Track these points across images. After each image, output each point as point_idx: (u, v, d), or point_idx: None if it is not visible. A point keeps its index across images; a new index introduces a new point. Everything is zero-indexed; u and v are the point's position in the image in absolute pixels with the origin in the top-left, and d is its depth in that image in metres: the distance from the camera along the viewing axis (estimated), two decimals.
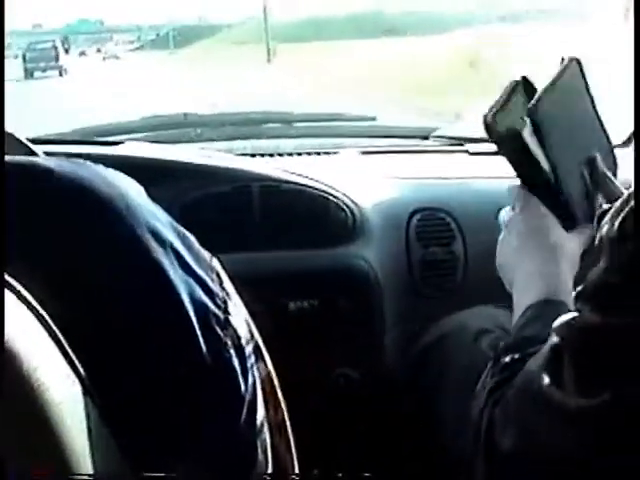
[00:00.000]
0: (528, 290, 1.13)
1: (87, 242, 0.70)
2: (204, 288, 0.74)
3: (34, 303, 0.61)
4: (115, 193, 0.73)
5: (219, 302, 0.75)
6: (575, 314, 0.92)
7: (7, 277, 0.60)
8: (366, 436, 1.80)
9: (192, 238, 0.77)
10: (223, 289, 0.77)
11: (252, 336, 0.79)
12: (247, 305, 0.81)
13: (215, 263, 0.79)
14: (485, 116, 1.14)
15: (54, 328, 0.61)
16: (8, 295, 0.59)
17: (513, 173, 1.21)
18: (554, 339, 0.93)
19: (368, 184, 1.96)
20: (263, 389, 0.79)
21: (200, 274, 0.75)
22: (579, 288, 0.94)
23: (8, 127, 1.49)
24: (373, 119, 2.63)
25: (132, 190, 0.75)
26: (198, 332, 0.71)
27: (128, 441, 0.68)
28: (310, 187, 1.85)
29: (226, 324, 0.75)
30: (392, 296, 1.83)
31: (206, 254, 0.78)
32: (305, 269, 1.82)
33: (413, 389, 1.64)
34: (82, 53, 39.49)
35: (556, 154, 1.17)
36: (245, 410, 0.75)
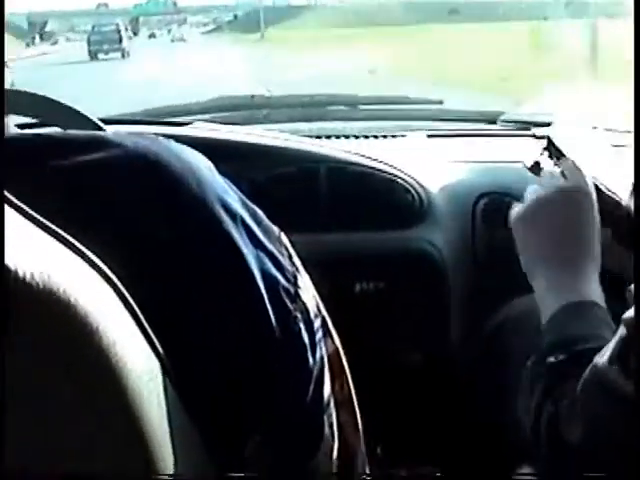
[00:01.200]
0: (558, 289, 1.15)
1: (159, 215, 0.71)
2: (274, 262, 0.75)
3: (112, 277, 0.61)
4: (186, 167, 0.74)
5: (289, 276, 0.75)
6: None
7: (86, 251, 0.60)
8: (430, 415, 1.80)
9: (261, 213, 0.78)
10: (292, 264, 0.77)
11: (319, 311, 0.79)
12: (314, 286, 0.82)
13: (284, 238, 0.79)
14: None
15: (132, 302, 0.62)
16: (85, 269, 0.60)
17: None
18: (623, 330, 0.93)
19: (435, 167, 1.96)
20: (330, 365, 0.79)
21: (270, 248, 0.75)
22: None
23: (78, 107, 1.53)
24: (440, 102, 2.62)
25: (203, 165, 0.76)
26: (268, 305, 0.72)
27: (201, 414, 0.69)
28: (377, 169, 1.84)
29: (296, 297, 0.75)
30: (458, 279, 1.82)
31: (275, 229, 0.78)
32: (371, 251, 1.82)
33: (478, 371, 1.63)
34: (152, 35, 39.45)
35: None
36: (313, 384, 0.75)
